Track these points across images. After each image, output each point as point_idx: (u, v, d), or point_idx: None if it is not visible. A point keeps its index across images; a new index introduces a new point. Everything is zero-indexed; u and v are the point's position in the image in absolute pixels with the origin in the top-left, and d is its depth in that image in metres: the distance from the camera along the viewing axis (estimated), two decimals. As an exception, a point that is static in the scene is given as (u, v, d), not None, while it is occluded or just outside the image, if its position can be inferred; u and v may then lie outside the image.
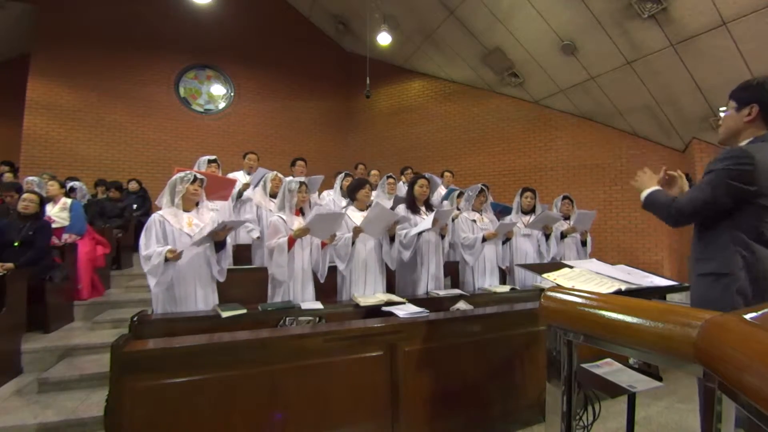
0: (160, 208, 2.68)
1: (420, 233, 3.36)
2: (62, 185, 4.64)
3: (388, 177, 4.82)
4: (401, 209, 3.52)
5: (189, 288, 2.62)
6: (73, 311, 3.89)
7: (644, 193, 1.71)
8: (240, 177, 4.70)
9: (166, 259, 2.43)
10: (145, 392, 1.76)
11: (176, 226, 2.59)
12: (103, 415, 1.85)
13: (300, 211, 3.11)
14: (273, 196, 3.94)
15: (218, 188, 3.71)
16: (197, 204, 2.77)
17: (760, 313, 0.69)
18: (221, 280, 2.78)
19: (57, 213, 4.37)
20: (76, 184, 5.41)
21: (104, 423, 1.80)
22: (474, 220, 3.91)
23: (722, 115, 1.63)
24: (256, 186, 4.34)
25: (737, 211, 1.42)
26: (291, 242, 2.88)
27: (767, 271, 1.38)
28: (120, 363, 1.76)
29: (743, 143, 1.49)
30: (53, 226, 4.27)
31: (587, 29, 5.48)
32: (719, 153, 1.50)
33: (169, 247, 2.47)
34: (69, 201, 4.46)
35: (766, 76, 1.50)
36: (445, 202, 4.58)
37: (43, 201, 3.81)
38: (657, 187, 1.69)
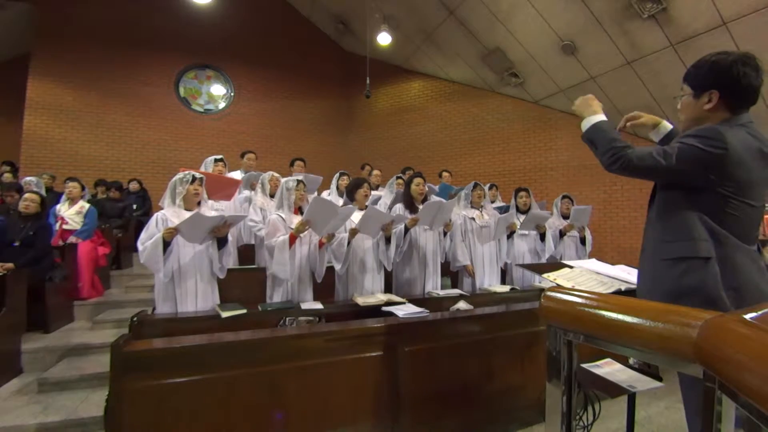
0: (162, 209, 2.70)
1: (407, 231, 3.35)
2: (83, 188, 4.65)
3: (397, 177, 4.85)
4: (398, 208, 3.52)
5: (189, 285, 2.63)
6: (73, 311, 3.89)
7: (589, 121, 1.49)
8: (237, 177, 4.70)
9: (165, 242, 2.45)
10: (145, 392, 1.76)
11: None
12: (103, 415, 1.85)
13: (299, 210, 3.11)
14: (272, 196, 3.95)
15: (221, 188, 3.71)
16: (199, 203, 2.78)
17: (760, 313, 0.69)
18: (221, 276, 2.79)
19: (72, 215, 4.37)
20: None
21: (104, 423, 1.80)
22: (473, 218, 3.91)
23: (679, 102, 1.45)
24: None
25: (702, 195, 1.29)
26: (292, 239, 2.88)
27: (738, 262, 1.26)
28: (120, 363, 1.76)
29: None
30: (64, 227, 4.27)
31: (587, 29, 5.48)
32: (692, 129, 1.35)
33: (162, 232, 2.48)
34: (87, 206, 4.48)
35: (718, 53, 1.34)
36: (437, 198, 4.52)
37: (44, 201, 3.81)
38: (604, 117, 1.48)
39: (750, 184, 1.27)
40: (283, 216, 2.98)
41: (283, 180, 3.16)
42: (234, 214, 3.88)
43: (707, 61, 1.35)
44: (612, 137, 1.40)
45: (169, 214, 2.61)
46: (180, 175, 2.72)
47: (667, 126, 1.62)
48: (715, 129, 1.26)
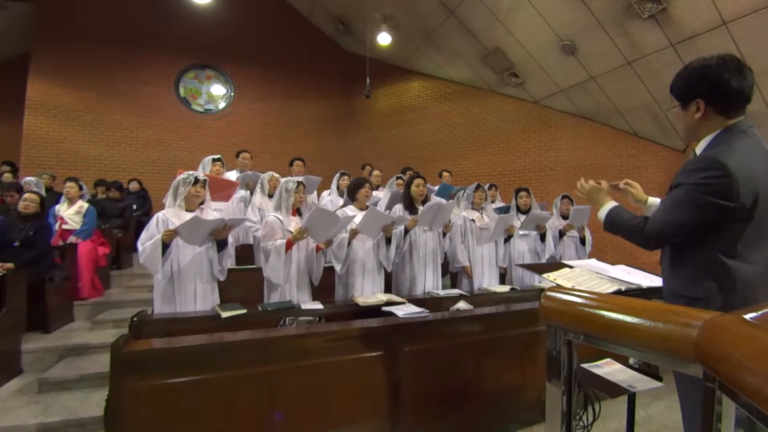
0: (164, 208, 2.69)
1: (407, 232, 3.35)
2: (81, 187, 4.66)
3: (397, 177, 4.84)
4: (398, 209, 3.51)
5: (189, 287, 2.62)
6: (73, 311, 3.89)
7: (603, 211, 1.52)
8: (232, 177, 4.69)
9: (164, 243, 2.44)
10: (145, 392, 1.76)
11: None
12: (103, 415, 1.86)
13: (297, 212, 3.10)
14: (272, 196, 3.94)
15: (219, 189, 3.71)
16: (201, 204, 2.78)
17: (760, 313, 0.69)
18: (222, 279, 2.78)
19: (71, 215, 4.39)
20: (80, 184, 5.42)
21: (104, 423, 1.80)
22: (473, 219, 3.90)
23: (672, 113, 1.43)
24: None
25: (713, 228, 1.23)
26: (289, 245, 2.86)
27: (745, 287, 1.21)
28: (120, 363, 1.76)
29: (706, 139, 1.32)
30: (64, 227, 4.28)
31: (587, 29, 5.48)
32: (687, 162, 1.31)
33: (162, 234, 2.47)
34: (86, 206, 4.49)
35: (697, 60, 1.31)
36: (438, 198, 4.53)
37: (43, 201, 3.81)
38: (614, 203, 1.51)
39: (765, 192, 1.21)
40: (281, 218, 2.95)
41: (282, 180, 3.14)
42: (233, 216, 3.87)
43: (685, 70, 1.33)
44: (627, 219, 1.42)
45: (170, 215, 2.61)
46: (183, 175, 2.72)
47: (656, 202, 1.61)
48: (710, 158, 1.23)
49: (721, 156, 1.20)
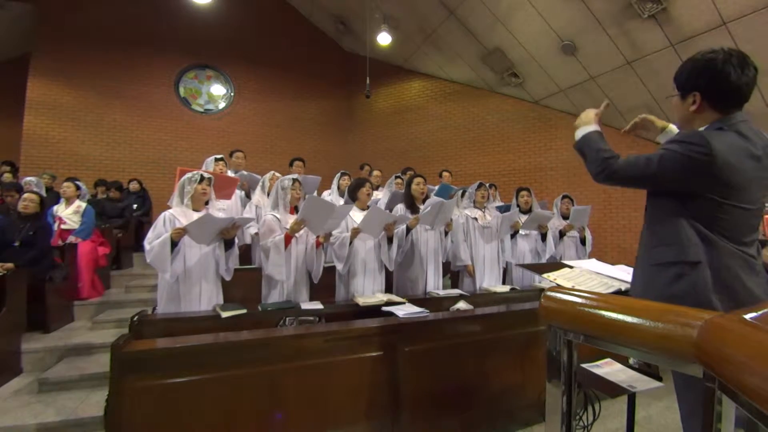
0: (168, 208, 2.69)
1: (409, 231, 3.35)
2: (78, 187, 4.66)
3: (396, 177, 4.83)
4: (400, 209, 3.51)
5: (194, 286, 2.63)
6: (73, 311, 3.89)
7: (581, 131, 1.49)
8: None
9: (173, 242, 2.44)
10: (145, 392, 1.76)
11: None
12: (103, 415, 1.86)
13: (294, 209, 3.08)
14: (272, 195, 3.94)
15: (222, 187, 3.71)
16: (207, 203, 2.78)
17: (760, 313, 0.69)
18: (228, 278, 2.78)
19: (69, 215, 4.40)
20: (78, 183, 5.43)
21: (104, 423, 1.80)
22: (475, 218, 3.90)
23: (672, 102, 1.44)
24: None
25: (692, 201, 1.26)
26: (287, 239, 2.85)
27: (729, 266, 1.22)
28: (120, 363, 1.76)
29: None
30: (62, 227, 4.29)
31: (587, 29, 5.48)
32: (678, 133, 1.33)
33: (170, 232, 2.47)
34: (83, 205, 4.51)
35: (703, 51, 1.31)
36: (438, 198, 4.51)
37: (43, 201, 3.81)
38: (597, 128, 1.47)
39: (741, 188, 1.23)
40: (278, 216, 2.93)
41: (278, 179, 3.12)
42: (236, 216, 3.87)
43: (690, 61, 1.33)
44: (599, 147, 1.40)
45: (177, 214, 2.61)
46: (189, 174, 2.73)
47: (674, 129, 1.58)
48: (700, 134, 1.23)
49: (709, 135, 1.22)
